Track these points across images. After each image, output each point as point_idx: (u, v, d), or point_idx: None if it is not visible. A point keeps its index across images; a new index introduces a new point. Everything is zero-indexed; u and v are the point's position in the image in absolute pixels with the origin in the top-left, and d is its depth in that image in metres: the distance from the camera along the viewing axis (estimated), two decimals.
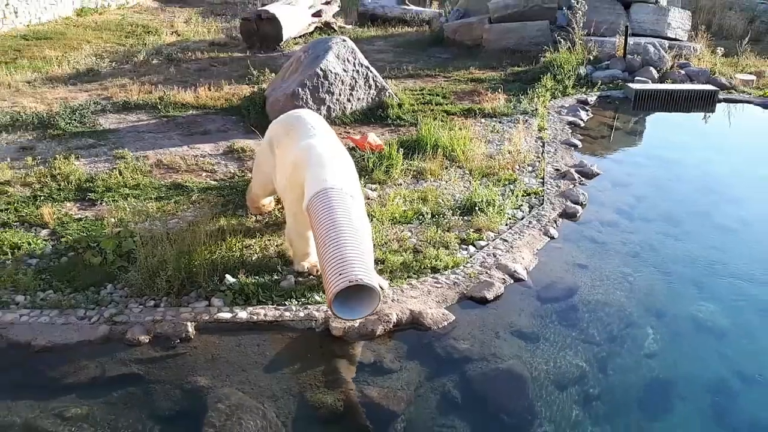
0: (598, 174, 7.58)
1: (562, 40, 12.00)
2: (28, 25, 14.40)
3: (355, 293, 4.08)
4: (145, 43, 13.25)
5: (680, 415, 4.03)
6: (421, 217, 6.17)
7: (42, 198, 6.28)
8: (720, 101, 10.84)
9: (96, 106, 8.85)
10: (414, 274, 5.29)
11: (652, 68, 11.63)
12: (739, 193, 7.33)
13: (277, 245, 5.57)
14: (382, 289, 4.99)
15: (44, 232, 5.71)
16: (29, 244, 5.48)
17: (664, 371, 4.38)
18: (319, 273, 5.11)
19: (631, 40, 12.17)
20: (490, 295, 5.05)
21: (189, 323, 4.58)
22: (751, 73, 12.11)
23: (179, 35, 14.44)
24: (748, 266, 5.69)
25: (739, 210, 6.84)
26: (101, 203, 6.18)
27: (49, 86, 9.95)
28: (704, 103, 10.67)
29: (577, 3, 12.11)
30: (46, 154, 7.24)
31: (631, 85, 10.89)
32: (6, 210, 6.01)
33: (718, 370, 4.41)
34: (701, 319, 4.94)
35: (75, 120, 8.21)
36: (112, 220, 5.69)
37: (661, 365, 4.44)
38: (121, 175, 6.76)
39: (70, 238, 5.58)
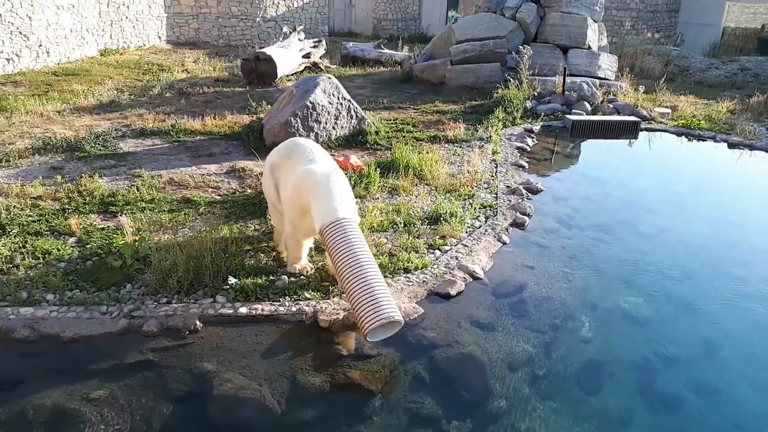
0: (542, 190, 7.65)
1: (511, 78, 12.13)
2: (58, 64, 14.20)
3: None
4: (160, 79, 13.13)
5: (611, 390, 4.07)
6: (395, 226, 6.18)
7: (70, 210, 6.17)
8: (642, 130, 11.03)
9: (117, 132, 8.73)
10: (389, 274, 5.28)
11: (586, 102, 11.80)
12: (656, 206, 7.45)
13: (272, 248, 5.54)
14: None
15: (71, 240, 5.62)
16: (58, 250, 5.38)
17: (598, 354, 4.42)
18: (309, 273, 5.12)
19: (568, 80, 12.34)
20: (453, 292, 5.06)
21: (196, 317, 4.53)
22: (667, 107, 12.34)
23: (189, 72, 14.34)
24: (664, 265, 5.78)
25: (657, 219, 6.94)
26: (121, 215, 6.08)
27: (76, 115, 9.80)
28: (629, 131, 10.85)
29: (524, 48, 12.26)
30: (73, 173, 7.13)
31: (568, 116, 11.03)
32: (38, 221, 5.89)
33: (642, 352, 4.46)
34: (628, 310, 5.00)
35: (99, 144, 8.09)
36: (131, 229, 5.61)
37: (595, 349, 4.48)
38: (138, 191, 6.67)
39: (94, 244, 5.49)
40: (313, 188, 4.61)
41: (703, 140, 10.71)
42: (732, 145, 10.43)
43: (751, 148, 10.28)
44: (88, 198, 6.46)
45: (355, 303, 4.13)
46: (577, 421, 3.75)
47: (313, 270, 5.19)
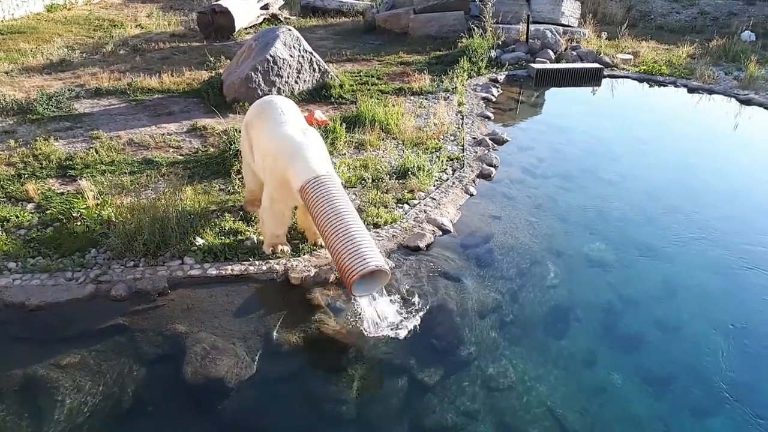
0: (507, 141, 7.69)
1: (475, 27, 11.98)
2: (2, 21, 13.46)
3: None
4: (112, 36, 12.58)
5: (576, 333, 4.22)
6: (363, 181, 6.16)
7: (26, 176, 5.98)
8: (605, 77, 11.08)
9: (70, 92, 8.40)
10: None
11: (549, 50, 11.77)
12: (619, 153, 7.57)
13: (239, 208, 5.49)
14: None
15: (30, 206, 5.46)
16: (17, 217, 5.24)
17: (563, 299, 4.56)
18: (282, 252, 4.92)
19: (532, 27, 12.26)
20: (422, 244, 5.12)
21: (165, 280, 4.50)
22: (629, 53, 12.40)
23: (143, 28, 13.77)
24: (626, 211, 5.93)
25: (619, 166, 7.07)
26: (81, 178, 5.92)
27: (25, 76, 9.38)
28: (592, 78, 10.89)
29: None
30: (27, 137, 6.87)
31: (532, 65, 11.01)
32: None
33: (606, 296, 4.62)
34: (591, 256, 5.14)
35: (52, 105, 7.78)
36: (92, 193, 5.48)
37: (560, 294, 4.61)
38: (97, 153, 6.48)
39: (55, 210, 5.35)
40: (290, 152, 4.44)
41: (664, 86, 10.85)
42: (692, 90, 10.59)
43: (711, 92, 10.46)
44: (44, 162, 6.25)
45: (338, 256, 3.99)
46: (545, 364, 3.90)
47: (290, 249, 4.97)
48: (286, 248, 4.92)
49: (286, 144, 4.52)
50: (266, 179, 4.76)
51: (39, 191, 5.66)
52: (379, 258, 3.98)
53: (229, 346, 3.93)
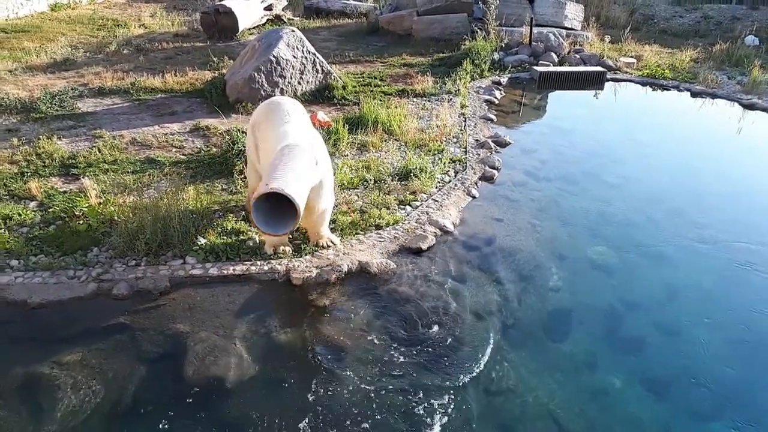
0: (510, 143, 7.68)
1: (478, 30, 11.99)
2: (6, 20, 13.49)
3: (282, 214, 3.91)
4: (116, 35, 12.61)
5: (578, 337, 4.21)
6: (365, 183, 6.16)
7: (29, 174, 5.99)
8: (608, 80, 11.08)
9: (74, 91, 8.41)
10: (361, 231, 5.30)
11: (552, 53, 11.77)
12: (622, 156, 7.57)
13: (241, 208, 5.49)
14: (333, 244, 4.99)
15: (33, 204, 5.47)
16: (19, 215, 5.24)
17: (565, 302, 4.55)
18: (284, 252, 4.90)
19: (535, 30, 12.26)
20: (424, 246, 5.11)
21: (167, 279, 4.50)
22: (632, 57, 12.39)
23: (146, 28, 13.80)
24: (628, 214, 5.92)
25: (622, 169, 7.06)
26: (84, 177, 5.92)
27: (29, 74, 9.40)
28: (595, 82, 10.89)
29: None
30: (30, 135, 6.88)
31: (536, 67, 11.00)
32: None
33: (608, 299, 4.61)
34: (594, 259, 5.13)
35: (55, 104, 7.80)
36: (95, 191, 5.48)
37: (562, 297, 4.61)
38: (100, 152, 6.49)
39: (57, 208, 5.36)
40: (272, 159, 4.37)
41: (667, 89, 10.84)
42: (695, 94, 10.58)
43: (714, 96, 10.45)
44: (47, 160, 6.26)
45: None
46: (546, 367, 3.89)
47: (291, 249, 4.97)
48: (288, 248, 4.92)
49: (287, 134, 4.51)
50: None
51: (42, 189, 5.67)
52: (281, 183, 3.74)
53: (231, 346, 3.93)
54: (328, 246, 5.01)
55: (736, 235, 5.60)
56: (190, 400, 3.55)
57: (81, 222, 5.13)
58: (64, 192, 5.69)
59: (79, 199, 5.48)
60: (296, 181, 3.90)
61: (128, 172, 6.11)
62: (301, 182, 3.98)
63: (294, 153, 4.15)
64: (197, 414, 3.46)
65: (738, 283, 4.88)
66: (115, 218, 5.07)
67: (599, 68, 11.21)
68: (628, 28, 14.12)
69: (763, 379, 3.87)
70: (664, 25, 16.75)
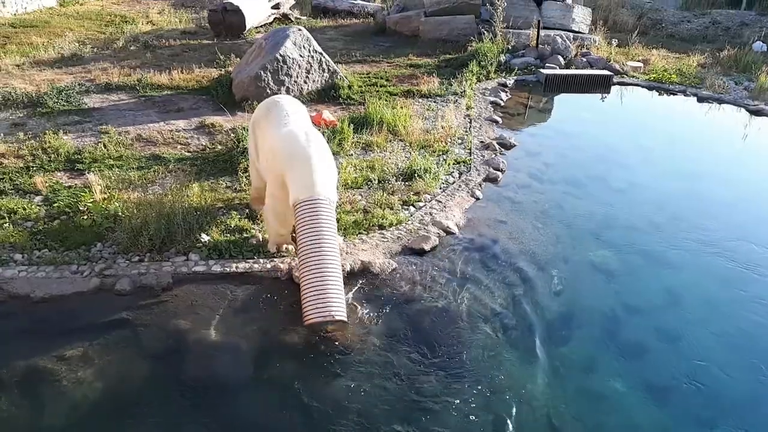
0: (515, 145, 7.68)
1: (485, 31, 11.98)
2: (15, 15, 13.55)
3: None
4: (124, 31, 12.64)
5: (580, 339, 4.20)
6: (369, 182, 6.16)
7: (34, 168, 6.01)
8: (614, 84, 11.05)
9: (81, 87, 8.44)
10: (364, 230, 5.30)
11: (559, 56, 11.74)
12: (627, 160, 7.54)
13: (245, 205, 5.50)
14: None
15: (38, 199, 5.49)
16: (24, 209, 5.26)
17: (568, 305, 4.54)
18: (287, 250, 4.95)
19: (542, 33, 12.24)
20: (427, 247, 5.11)
21: (170, 275, 4.51)
22: (639, 61, 12.36)
23: (154, 24, 13.84)
24: (633, 219, 5.90)
25: (627, 173, 7.04)
26: (89, 172, 5.94)
27: (36, 69, 9.43)
28: (602, 85, 10.86)
29: (498, 0, 12.08)
30: (36, 130, 6.90)
31: (542, 70, 10.99)
32: (2, 179, 5.73)
33: (609, 303, 4.59)
34: (597, 263, 5.12)
35: (62, 99, 7.82)
36: (99, 187, 5.49)
37: (564, 301, 4.59)
38: (105, 148, 6.51)
39: (62, 203, 5.38)
40: (288, 156, 4.40)
41: (674, 94, 10.81)
42: (702, 99, 10.55)
43: (720, 101, 10.42)
44: (53, 155, 6.28)
45: (306, 291, 4.03)
46: (547, 370, 3.88)
47: (294, 248, 4.92)
48: (291, 247, 4.92)
49: (285, 146, 4.48)
50: (268, 179, 4.76)
51: (47, 184, 5.69)
52: (341, 308, 4.02)
53: (232, 343, 3.93)
54: None
55: (741, 239, 5.58)
56: (191, 397, 3.55)
57: (85, 217, 5.15)
58: (69, 187, 5.71)
59: (83, 194, 5.50)
60: (339, 282, 4.12)
61: (133, 168, 6.12)
62: (339, 275, 4.18)
63: (328, 230, 4.24)
64: (197, 411, 3.47)
65: (742, 289, 4.86)
66: (120, 214, 5.08)
67: (606, 72, 11.18)
68: (636, 32, 14.10)
69: (764, 385, 3.85)
70: (671, 30, 16.71)
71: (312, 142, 4.48)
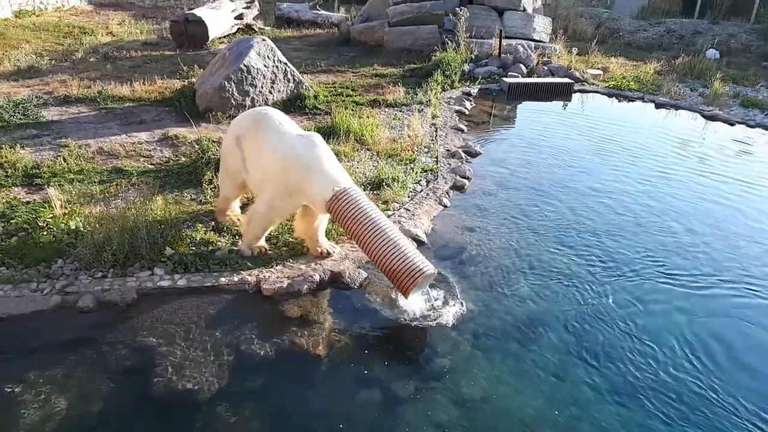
0: (480, 153, 7.77)
1: (449, 41, 12.13)
2: None
3: None
4: (83, 43, 12.40)
5: (546, 341, 4.24)
6: None
7: None
8: (575, 91, 11.31)
9: (38, 100, 8.24)
10: (333, 240, 5.28)
11: (521, 65, 11.96)
12: (589, 165, 7.70)
13: (211, 218, 5.43)
14: (332, 252, 5.04)
15: None
16: None
17: (534, 310, 4.59)
18: (261, 253, 4.99)
19: (504, 42, 12.45)
20: None
21: (134, 291, 4.41)
22: (598, 69, 12.67)
23: (114, 36, 13.61)
24: (595, 224, 6.02)
25: (590, 179, 7.19)
26: (48, 187, 5.78)
27: None
28: (563, 93, 11.10)
29: (461, 10, 12.25)
30: None
31: (505, 79, 11.17)
32: None
33: (574, 307, 4.66)
34: (560, 268, 5.19)
35: (18, 113, 7.61)
36: (60, 202, 5.35)
37: (532, 306, 4.64)
38: (65, 161, 6.35)
39: (20, 219, 5.22)
40: (306, 163, 4.50)
41: (633, 101, 11.10)
42: (659, 105, 10.86)
43: (677, 107, 10.74)
44: (9, 170, 6.10)
45: (390, 266, 4.23)
46: (516, 376, 3.91)
47: (271, 251, 5.03)
48: (265, 246, 5.04)
49: (299, 154, 4.53)
50: (267, 189, 4.71)
51: (3, 200, 5.51)
52: (427, 263, 4.29)
53: (200, 358, 3.86)
54: (329, 254, 5.00)
55: (701, 242, 5.74)
56: (159, 415, 3.47)
57: (45, 233, 5.01)
58: (28, 202, 5.55)
59: (43, 209, 5.34)
60: (413, 246, 4.46)
61: (95, 182, 5.98)
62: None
63: (374, 209, 4.50)
64: (166, 429, 3.38)
65: (701, 289, 4.99)
66: (81, 229, 4.96)
67: (567, 80, 11.42)
68: (595, 41, 14.46)
69: (736, 389, 3.96)
70: (629, 39, 17.19)
71: (321, 147, 4.67)
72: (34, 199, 5.61)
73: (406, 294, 4.24)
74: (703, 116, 10.31)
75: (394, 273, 4.23)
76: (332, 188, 4.43)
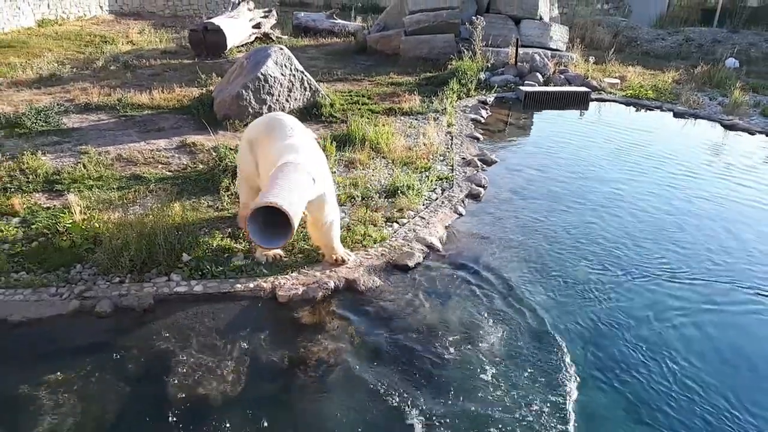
0: (496, 161, 7.75)
1: (465, 50, 12.14)
2: None
3: (279, 228, 3.87)
4: (103, 52, 12.61)
5: (562, 354, 4.19)
6: (353, 199, 6.16)
7: (12, 190, 5.92)
8: (592, 100, 11.24)
9: (59, 107, 8.37)
10: (348, 247, 5.29)
11: (538, 74, 11.93)
12: (606, 175, 7.64)
13: (228, 225, 5.46)
14: (347, 259, 5.05)
15: (15, 220, 5.40)
16: (1, 231, 5.17)
17: (549, 319, 4.54)
18: (276, 260, 5.00)
19: (521, 51, 12.43)
20: (411, 263, 5.11)
21: (151, 296, 4.45)
22: (616, 77, 12.60)
23: (134, 44, 13.81)
24: (614, 234, 5.96)
25: (607, 189, 7.13)
26: (68, 193, 5.87)
27: (14, 90, 9.34)
28: (580, 101, 11.05)
29: (477, 19, 12.26)
30: (14, 151, 6.81)
31: (521, 87, 11.14)
32: None
33: (592, 317, 4.61)
34: (578, 277, 5.14)
35: (40, 120, 7.74)
36: (79, 207, 5.42)
37: (547, 317, 4.60)
38: (85, 168, 6.44)
39: (40, 224, 5.30)
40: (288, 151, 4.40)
41: (651, 110, 11.02)
42: (677, 114, 10.76)
43: (696, 116, 10.64)
44: (31, 176, 6.20)
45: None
46: (530, 389, 3.87)
47: (287, 258, 5.05)
48: (280, 252, 5.02)
49: (289, 149, 4.50)
50: None
51: (25, 205, 5.60)
52: (277, 197, 3.74)
53: (215, 364, 3.88)
54: (344, 261, 5.00)
55: (720, 251, 5.66)
56: (174, 421, 3.49)
57: (64, 238, 5.07)
58: (48, 208, 5.63)
59: (62, 215, 5.42)
60: (290, 195, 3.87)
61: (113, 189, 6.06)
62: (296, 196, 3.93)
63: (290, 169, 4.13)
64: None
65: (721, 300, 4.92)
66: (100, 235, 5.02)
67: (584, 88, 11.37)
68: (612, 50, 14.39)
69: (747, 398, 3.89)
70: (647, 47, 17.08)
71: (313, 149, 4.60)
72: (54, 205, 5.69)
73: (244, 224, 3.88)
74: (723, 125, 10.20)
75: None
76: (284, 159, 4.24)
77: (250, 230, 3.78)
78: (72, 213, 5.36)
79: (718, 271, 5.35)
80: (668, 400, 3.81)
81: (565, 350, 4.22)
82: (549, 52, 13.04)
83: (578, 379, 3.96)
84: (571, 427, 3.56)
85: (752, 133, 9.81)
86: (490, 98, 10.79)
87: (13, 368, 3.77)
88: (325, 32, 16.27)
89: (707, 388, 3.93)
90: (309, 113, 8.71)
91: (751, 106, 11.05)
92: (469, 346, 4.21)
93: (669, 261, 5.48)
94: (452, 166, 7.34)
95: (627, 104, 11.28)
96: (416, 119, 9.06)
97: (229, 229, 5.42)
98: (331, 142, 7.17)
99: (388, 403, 3.67)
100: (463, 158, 7.64)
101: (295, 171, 4.14)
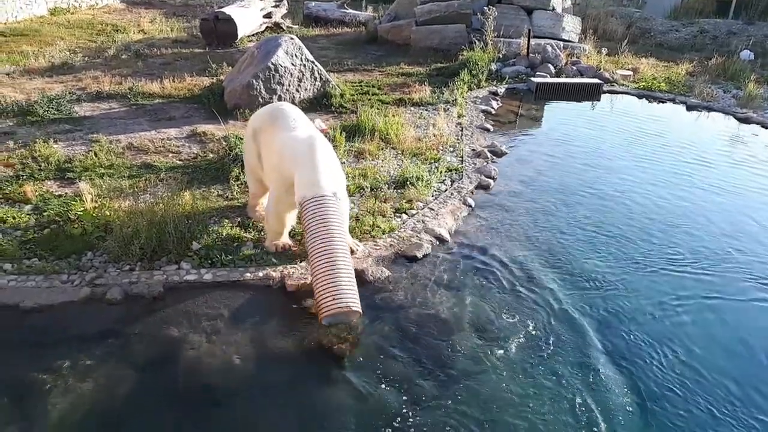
0: (506, 153, 7.70)
1: (476, 40, 12.06)
2: (5, 23, 13.52)
3: None
4: (115, 40, 12.64)
5: (571, 346, 4.18)
6: (362, 190, 6.16)
7: (24, 177, 5.97)
8: (604, 92, 11.14)
9: (71, 95, 8.41)
10: (357, 238, 5.29)
11: (550, 65, 11.83)
12: (618, 167, 7.58)
13: (237, 214, 5.48)
14: (356, 249, 5.08)
15: (27, 208, 5.44)
16: (14, 218, 5.22)
17: (560, 313, 4.53)
18: (285, 249, 5.01)
19: (533, 42, 12.33)
20: (419, 254, 5.11)
21: (161, 284, 4.47)
22: (628, 69, 12.47)
23: (145, 33, 13.83)
24: (624, 227, 5.92)
25: (619, 181, 7.08)
26: (79, 181, 5.90)
27: (27, 78, 9.40)
28: (592, 93, 10.95)
29: (489, 9, 12.17)
30: (26, 139, 6.86)
31: (533, 78, 11.06)
32: None
33: (602, 310, 4.59)
34: (588, 270, 5.12)
35: (52, 108, 7.78)
36: (90, 195, 5.46)
37: (556, 310, 4.58)
38: (96, 156, 6.48)
39: (52, 212, 5.34)
40: (298, 161, 4.45)
41: (663, 102, 10.90)
42: (690, 107, 10.65)
43: (709, 109, 10.52)
44: (43, 164, 6.24)
45: (318, 287, 4.07)
46: (538, 382, 3.87)
47: (296, 247, 5.04)
48: (289, 242, 5.02)
49: (294, 149, 4.53)
50: (270, 178, 4.80)
51: (37, 193, 5.65)
52: (355, 299, 4.07)
53: (224, 352, 3.90)
54: (353, 251, 5.00)
55: (731, 247, 5.61)
56: (183, 407, 3.51)
57: (76, 226, 5.11)
58: (60, 196, 5.67)
59: (74, 203, 5.46)
60: (352, 279, 4.16)
61: (124, 177, 6.09)
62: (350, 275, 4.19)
63: (340, 222, 4.34)
64: (190, 422, 3.43)
65: (732, 296, 4.88)
66: (111, 222, 5.05)
67: (596, 80, 11.26)
68: (625, 41, 14.23)
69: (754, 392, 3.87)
70: (660, 39, 16.89)
71: (319, 146, 4.54)
72: (66, 193, 5.73)
73: (320, 317, 4.05)
74: (737, 118, 10.08)
75: (318, 295, 4.05)
76: (308, 193, 4.30)
77: (325, 321, 4.09)
78: (83, 201, 5.40)
79: (731, 265, 5.30)
80: (679, 388, 3.80)
81: (577, 343, 4.21)
82: (561, 43, 12.92)
83: (587, 370, 3.94)
84: (584, 418, 3.55)
85: (766, 127, 9.69)
86: (501, 89, 10.72)
87: (24, 353, 3.81)
88: (336, 22, 16.21)
89: (727, 379, 3.91)
90: (319, 103, 8.70)
91: (766, 99, 10.90)
92: (478, 336, 4.20)
93: (678, 256, 5.44)
94: (462, 157, 7.31)
95: (639, 96, 11.17)
96: (426, 110, 9.02)
97: (239, 219, 5.43)
98: (341, 133, 7.15)
99: (396, 392, 3.68)
100: (473, 149, 7.61)
101: (342, 224, 4.36)
